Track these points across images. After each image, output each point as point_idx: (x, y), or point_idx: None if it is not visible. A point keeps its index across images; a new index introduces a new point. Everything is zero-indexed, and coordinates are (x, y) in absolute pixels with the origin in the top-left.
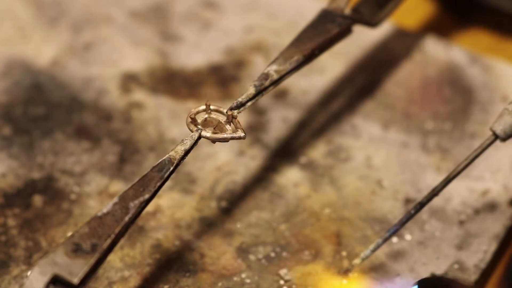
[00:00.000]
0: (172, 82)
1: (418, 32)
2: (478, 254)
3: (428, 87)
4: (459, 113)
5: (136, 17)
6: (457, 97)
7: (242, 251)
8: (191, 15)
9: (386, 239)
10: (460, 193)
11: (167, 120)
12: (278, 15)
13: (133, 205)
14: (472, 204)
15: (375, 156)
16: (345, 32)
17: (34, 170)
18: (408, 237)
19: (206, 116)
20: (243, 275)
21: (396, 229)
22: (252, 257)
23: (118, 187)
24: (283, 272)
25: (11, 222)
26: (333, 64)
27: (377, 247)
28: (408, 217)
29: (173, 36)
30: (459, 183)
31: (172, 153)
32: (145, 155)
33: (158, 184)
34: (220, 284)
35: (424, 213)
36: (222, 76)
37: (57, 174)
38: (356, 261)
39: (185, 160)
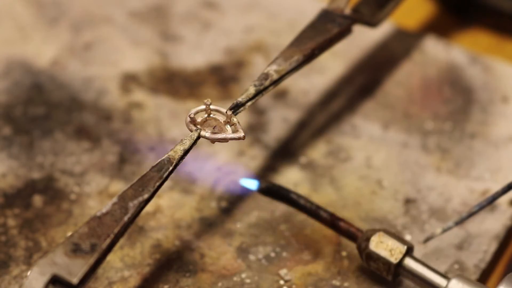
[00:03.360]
0: (172, 82)
1: (418, 32)
2: (478, 254)
3: (428, 87)
4: (459, 113)
5: (136, 17)
6: (457, 97)
7: (242, 251)
8: (191, 15)
9: (472, 214)
10: (460, 193)
11: (167, 120)
12: (278, 15)
13: (132, 205)
14: (472, 204)
15: (375, 156)
16: (345, 32)
17: (34, 170)
18: (408, 237)
19: (206, 116)
20: (243, 275)
21: (483, 205)
22: (252, 257)
23: (118, 187)
24: (283, 272)
25: (11, 222)
26: (333, 64)
27: (461, 220)
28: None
29: (173, 36)
30: (459, 183)
31: (171, 153)
32: (145, 155)
33: (157, 184)
34: (220, 284)
35: (424, 213)
36: (222, 76)
37: (57, 174)
38: (438, 230)
39: (185, 160)
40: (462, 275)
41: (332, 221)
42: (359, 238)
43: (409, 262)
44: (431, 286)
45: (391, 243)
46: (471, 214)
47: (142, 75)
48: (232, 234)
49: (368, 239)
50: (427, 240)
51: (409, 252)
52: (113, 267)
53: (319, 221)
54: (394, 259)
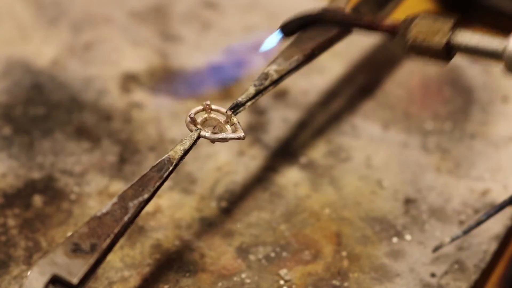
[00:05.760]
0: (172, 82)
1: None
2: (478, 254)
3: (428, 87)
4: (459, 113)
5: (136, 17)
6: (457, 97)
7: (242, 251)
8: (191, 15)
9: (480, 222)
10: (460, 193)
11: (167, 120)
12: (278, 15)
13: (133, 205)
14: (472, 204)
15: (375, 156)
16: (345, 32)
17: (34, 170)
18: (408, 237)
19: (206, 116)
20: (243, 275)
21: (491, 213)
22: (252, 257)
23: (118, 187)
24: (283, 272)
25: (11, 222)
26: (333, 64)
27: (469, 229)
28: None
29: (173, 36)
30: (459, 183)
31: (171, 153)
32: (145, 155)
33: (158, 184)
34: (220, 284)
35: (424, 213)
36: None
37: (57, 174)
38: (447, 239)
39: (185, 160)
40: None
41: (367, 24)
42: (398, 31)
43: (457, 38)
44: (488, 54)
45: (432, 25)
46: (479, 223)
47: (142, 75)
48: (232, 234)
49: (407, 31)
50: (436, 249)
51: (456, 25)
52: (113, 267)
53: (353, 27)
54: (439, 42)
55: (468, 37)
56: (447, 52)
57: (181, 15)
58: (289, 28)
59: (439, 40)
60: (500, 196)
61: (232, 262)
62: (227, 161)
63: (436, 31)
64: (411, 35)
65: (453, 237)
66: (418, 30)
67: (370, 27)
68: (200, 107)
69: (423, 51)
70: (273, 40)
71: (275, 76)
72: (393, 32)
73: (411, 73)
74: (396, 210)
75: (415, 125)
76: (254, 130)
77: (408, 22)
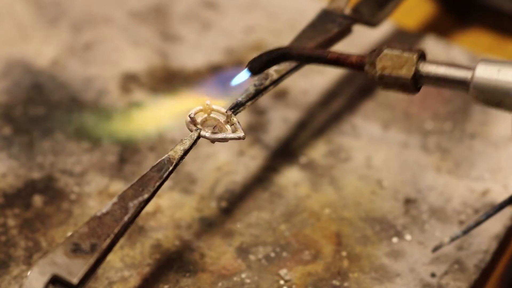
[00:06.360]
0: (172, 82)
1: (418, 32)
2: (478, 254)
3: (428, 87)
4: (459, 113)
5: (136, 17)
6: (457, 97)
7: (242, 251)
8: (191, 15)
9: (480, 223)
10: (460, 193)
11: (167, 120)
12: (278, 15)
13: (133, 205)
14: (472, 204)
15: (375, 156)
16: (345, 32)
17: (34, 170)
18: (408, 237)
19: (206, 116)
20: (243, 275)
21: (490, 213)
22: (252, 257)
23: (118, 187)
24: (283, 272)
25: (11, 222)
26: None
27: (468, 229)
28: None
29: (173, 36)
30: (459, 183)
31: (171, 152)
32: (145, 155)
33: (157, 184)
34: (220, 284)
35: (424, 213)
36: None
37: (57, 174)
38: (446, 239)
39: (185, 160)
40: (486, 59)
41: (334, 59)
42: (365, 65)
43: (424, 68)
44: (455, 83)
45: (399, 57)
46: (478, 223)
47: (142, 75)
48: (232, 234)
49: (374, 63)
50: (436, 249)
51: (421, 57)
52: (113, 267)
53: (319, 63)
54: (407, 73)
55: (435, 68)
56: (415, 83)
57: (181, 15)
58: (256, 67)
59: (406, 71)
60: (500, 196)
61: (232, 262)
62: (227, 161)
63: (403, 63)
64: (378, 68)
65: (453, 237)
66: (384, 63)
67: (337, 62)
68: (200, 107)
69: (391, 83)
70: (241, 77)
71: (275, 76)
72: (360, 66)
73: None
74: (396, 210)
75: (415, 125)
76: (254, 130)
77: (375, 55)
